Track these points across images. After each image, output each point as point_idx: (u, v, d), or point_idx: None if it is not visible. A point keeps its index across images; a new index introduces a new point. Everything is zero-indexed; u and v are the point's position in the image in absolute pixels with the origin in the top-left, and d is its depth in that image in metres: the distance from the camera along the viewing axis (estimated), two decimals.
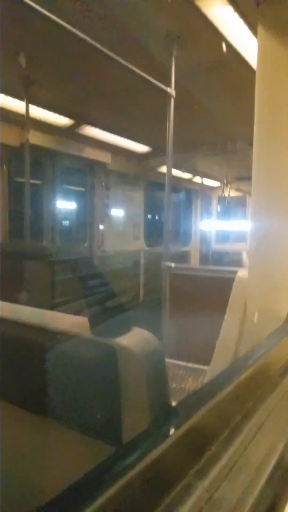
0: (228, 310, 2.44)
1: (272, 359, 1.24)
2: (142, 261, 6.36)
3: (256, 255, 1.97)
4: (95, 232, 5.72)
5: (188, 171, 6.78)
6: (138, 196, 6.50)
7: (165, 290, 3.23)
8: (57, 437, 1.05)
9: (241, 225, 8.57)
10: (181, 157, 5.34)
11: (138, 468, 0.57)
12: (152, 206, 7.01)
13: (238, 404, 0.93)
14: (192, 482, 0.64)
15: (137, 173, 6.09)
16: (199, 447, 0.74)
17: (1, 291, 1.26)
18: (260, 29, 1.87)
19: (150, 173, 6.10)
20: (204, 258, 8.24)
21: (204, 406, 0.79)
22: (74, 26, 2.07)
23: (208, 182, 7.75)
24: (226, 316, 2.41)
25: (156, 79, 2.72)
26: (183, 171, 6.61)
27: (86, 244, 5.70)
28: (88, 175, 5.68)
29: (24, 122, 3.70)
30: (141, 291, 6.28)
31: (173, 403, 0.96)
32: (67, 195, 5.71)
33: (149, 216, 7.04)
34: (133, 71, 2.53)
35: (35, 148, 4.02)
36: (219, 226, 8.73)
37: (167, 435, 0.68)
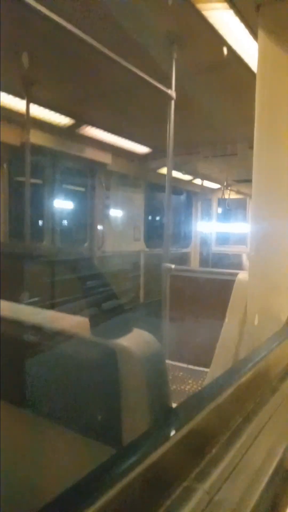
0: (228, 312, 2.44)
1: (272, 362, 1.24)
2: (142, 263, 6.36)
3: (256, 258, 1.97)
4: (95, 232, 5.72)
5: (189, 173, 6.78)
6: (139, 197, 6.50)
7: (165, 292, 3.23)
8: (57, 438, 1.05)
9: (241, 227, 8.57)
10: (182, 159, 5.35)
11: (138, 470, 0.57)
12: (152, 207, 7.01)
13: (238, 407, 0.92)
14: (193, 484, 0.64)
15: (137, 174, 6.09)
16: (199, 449, 0.73)
17: (2, 290, 1.26)
18: (260, 32, 1.87)
19: (150, 174, 6.10)
20: (204, 260, 8.24)
21: (204, 408, 0.78)
22: (74, 26, 2.07)
23: (208, 184, 7.75)
24: (226, 319, 2.41)
25: (156, 80, 2.72)
26: (183, 173, 6.61)
27: (86, 245, 5.70)
28: (89, 175, 5.68)
29: (24, 121, 3.70)
30: (141, 292, 6.28)
31: (174, 405, 0.95)
32: (67, 195, 5.71)
33: (149, 218, 7.04)
34: (134, 72, 2.53)
35: (35, 148, 4.02)
36: (219, 228, 8.73)
37: (167, 437, 0.68)
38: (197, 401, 0.85)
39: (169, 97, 2.87)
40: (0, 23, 2.01)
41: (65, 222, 5.64)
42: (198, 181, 7.40)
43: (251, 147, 1.94)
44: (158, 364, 1.01)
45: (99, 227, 5.75)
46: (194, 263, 8.03)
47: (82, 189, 5.93)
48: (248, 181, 2.05)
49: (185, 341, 3.29)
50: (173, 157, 3.07)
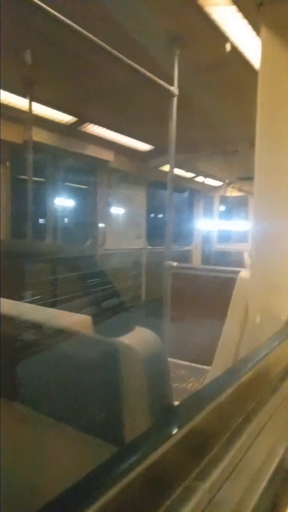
0: (229, 310, 2.44)
1: (272, 361, 1.24)
2: (144, 260, 6.37)
3: (258, 256, 1.97)
4: (97, 230, 5.72)
5: (190, 171, 6.76)
6: (141, 195, 6.49)
7: (166, 290, 3.23)
8: (58, 435, 1.05)
9: (243, 225, 8.56)
10: (183, 157, 5.33)
11: (139, 469, 0.57)
12: (154, 205, 7.00)
13: (239, 406, 0.93)
14: (194, 484, 0.64)
15: (139, 172, 6.08)
16: (200, 449, 0.74)
17: (4, 289, 1.26)
18: (263, 29, 1.87)
19: (152, 172, 6.09)
20: (206, 258, 8.23)
21: (205, 407, 0.78)
22: (76, 25, 2.07)
23: (210, 181, 7.73)
24: (227, 317, 2.41)
25: (159, 78, 2.72)
26: (185, 171, 6.60)
27: (88, 243, 5.70)
28: (91, 173, 5.68)
29: (27, 119, 3.70)
30: (143, 290, 6.28)
31: (175, 403, 0.96)
32: (69, 193, 5.71)
33: (151, 215, 7.03)
34: (136, 70, 2.53)
35: (37, 146, 4.02)
36: (221, 226, 8.71)
37: (168, 436, 0.68)
38: (197, 400, 0.85)
39: (172, 94, 2.86)
40: (0, 22, 2.00)
41: (67, 220, 5.64)
42: (200, 178, 7.38)
43: (253, 145, 1.94)
44: (159, 362, 1.01)
45: (101, 225, 5.75)
46: (196, 261, 8.02)
47: (84, 186, 5.93)
48: (250, 179, 2.05)
49: (186, 339, 3.29)
50: (175, 155, 3.07)
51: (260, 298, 1.86)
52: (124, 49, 2.35)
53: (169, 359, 3.17)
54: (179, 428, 0.71)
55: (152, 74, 2.64)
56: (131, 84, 3.24)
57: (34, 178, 3.93)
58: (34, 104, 3.68)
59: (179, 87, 2.87)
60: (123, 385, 0.95)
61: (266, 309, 1.80)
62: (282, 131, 1.86)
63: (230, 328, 2.39)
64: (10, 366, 1.09)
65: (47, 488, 0.87)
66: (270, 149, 1.89)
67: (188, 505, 0.60)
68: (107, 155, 5.35)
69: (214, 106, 3.92)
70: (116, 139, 5.10)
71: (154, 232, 6.77)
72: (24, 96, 3.61)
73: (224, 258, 8.03)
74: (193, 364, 3.37)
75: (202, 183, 7.50)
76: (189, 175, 6.97)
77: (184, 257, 7.68)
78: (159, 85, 2.75)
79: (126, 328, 1.00)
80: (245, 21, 2.21)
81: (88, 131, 4.71)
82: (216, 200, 8.46)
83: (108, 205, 5.89)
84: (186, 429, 0.71)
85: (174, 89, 2.86)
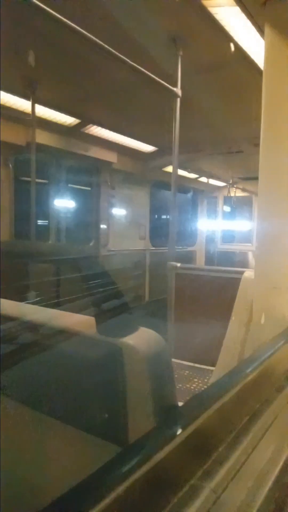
0: (234, 310, 2.43)
1: (277, 361, 1.23)
2: (147, 261, 6.37)
3: (262, 256, 1.96)
4: (100, 231, 5.73)
5: (194, 171, 6.76)
6: (144, 196, 6.50)
7: (170, 290, 3.23)
8: (62, 435, 1.05)
9: (247, 225, 8.53)
10: (187, 157, 5.34)
11: (145, 468, 0.57)
12: (157, 205, 7.00)
13: (244, 407, 0.92)
14: (199, 483, 0.64)
15: (142, 173, 6.09)
16: (205, 449, 0.73)
17: (8, 290, 1.27)
18: (267, 28, 1.86)
19: (155, 172, 6.09)
20: (210, 258, 8.22)
21: (210, 407, 0.78)
22: (78, 26, 2.07)
23: (214, 182, 7.72)
24: (232, 317, 2.41)
25: (161, 79, 2.72)
26: (189, 171, 6.60)
27: (91, 244, 5.71)
28: (94, 174, 5.69)
29: (30, 121, 3.71)
30: (147, 291, 6.28)
31: (179, 403, 0.95)
32: (73, 194, 5.71)
33: (155, 216, 7.03)
34: (139, 71, 2.53)
35: (40, 147, 4.03)
36: (224, 226, 8.70)
37: (173, 436, 0.68)
38: (202, 400, 0.85)
39: (175, 95, 2.86)
40: (0, 22, 2.01)
41: (70, 221, 5.64)
42: (203, 179, 7.38)
43: (257, 145, 1.93)
44: (163, 362, 1.01)
45: (105, 225, 5.76)
46: (200, 261, 8.01)
47: (88, 188, 5.94)
48: (254, 178, 2.04)
49: (190, 339, 3.28)
50: (178, 155, 3.06)
51: (264, 298, 1.85)
52: (126, 50, 2.35)
53: (172, 359, 3.17)
54: (184, 428, 0.71)
55: (155, 75, 2.64)
56: (133, 85, 3.24)
57: (37, 180, 3.94)
58: (37, 106, 3.69)
59: (182, 87, 2.87)
60: (127, 385, 0.95)
61: (272, 309, 1.80)
62: (287, 131, 1.85)
63: (235, 328, 2.39)
64: (13, 366, 1.09)
65: (52, 488, 0.87)
66: (274, 149, 1.89)
67: (193, 505, 0.59)
68: (110, 157, 5.36)
69: (217, 106, 3.92)
70: (119, 140, 5.11)
71: (158, 232, 6.77)
72: (26, 97, 3.62)
73: (229, 258, 8.00)
74: (197, 365, 3.36)
75: (206, 183, 7.50)
76: (193, 175, 6.97)
77: (188, 257, 7.67)
78: (162, 86, 2.74)
79: (129, 329, 1.00)
80: (248, 21, 2.20)
81: (91, 132, 4.72)
82: (220, 200, 8.44)
83: (112, 206, 5.90)
84: (190, 429, 0.71)
85: (178, 90, 2.86)
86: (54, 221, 5.15)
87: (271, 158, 1.90)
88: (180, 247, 7.23)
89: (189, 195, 7.95)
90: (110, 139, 5.01)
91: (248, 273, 2.47)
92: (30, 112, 3.64)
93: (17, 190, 4.38)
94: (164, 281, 3.33)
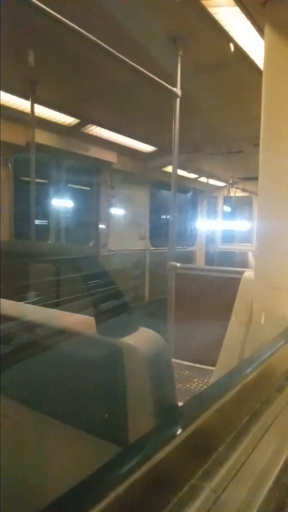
0: (234, 310, 2.43)
1: (277, 361, 1.23)
2: (147, 261, 6.37)
3: (262, 256, 1.96)
4: (100, 231, 5.73)
5: (194, 171, 6.76)
6: (144, 196, 6.50)
7: (170, 290, 3.23)
8: (61, 435, 1.05)
9: (247, 225, 8.53)
10: (187, 157, 5.34)
11: (145, 468, 0.57)
12: (157, 205, 7.00)
13: (244, 407, 0.92)
14: (199, 483, 0.64)
15: (142, 173, 6.09)
16: (205, 449, 0.73)
17: (8, 290, 1.27)
18: (267, 28, 1.86)
19: (155, 172, 6.09)
20: (210, 259, 8.22)
21: (210, 407, 0.78)
22: (78, 26, 2.07)
23: (213, 182, 7.73)
24: (232, 317, 2.41)
25: (161, 79, 2.72)
26: (188, 171, 6.60)
27: (91, 244, 5.71)
28: (94, 174, 5.69)
29: (29, 121, 3.72)
30: (147, 291, 6.28)
31: (179, 403, 0.95)
32: (72, 194, 5.71)
33: (155, 216, 7.03)
34: (139, 71, 2.53)
35: (40, 147, 4.03)
36: (224, 226, 8.70)
37: (173, 436, 0.68)
38: (202, 400, 0.85)
39: (175, 95, 2.86)
40: (0, 22, 2.01)
41: (70, 221, 5.65)
42: (203, 179, 7.38)
43: (257, 145, 1.93)
44: (163, 362, 1.01)
45: (104, 226, 5.76)
46: (200, 261, 8.01)
47: (87, 188, 5.94)
48: (254, 178, 2.04)
49: (190, 339, 3.28)
50: (178, 155, 3.06)
51: (265, 298, 1.85)
52: (126, 49, 2.35)
53: (172, 359, 3.17)
54: (184, 428, 0.71)
55: (154, 75, 2.64)
56: (133, 85, 3.24)
57: (36, 180, 3.94)
58: (36, 106, 3.69)
59: (182, 87, 2.87)
60: (127, 385, 0.95)
61: (272, 309, 1.80)
62: (286, 131, 1.85)
63: (235, 328, 2.39)
64: (12, 366, 1.09)
65: (51, 488, 0.87)
66: (274, 149, 1.89)
67: (193, 505, 0.59)
68: (110, 157, 5.36)
69: (217, 106, 3.92)
70: (119, 140, 5.11)
71: (157, 232, 6.77)
72: (25, 97, 3.62)
73: (229, 258, 8.00)
74: (197, 365, 3.36)
75: (206, 183, 7.50)
76: (193, 175, 6.97)
77: (188, 257, 7.67)
78: (162, 86, 2.74)
79: (129, 329, 1.00)
80: (247, 21, 2.20)
81: (90, 132, 4.72)
82: (220, 200, 8.44)
83: (111, 206, 5.90)
84: (190, 429, 0.71)
85: (177, 90, 2.86)
86: (54, 221, 5.15)
87: (271, 158, 1.90)
88: (180, 247, 7.23)
89: (189, 195, 7.95)
90: (110, 139, 5.01)
91: (248, 273, 2.47)
92: (30, 112, 3.64)
93: (17, 190, 4.38)
94: (164, 281, 3.34)
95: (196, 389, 3.01)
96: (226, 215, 8.67)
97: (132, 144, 5.35)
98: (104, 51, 2.24)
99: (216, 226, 8.55)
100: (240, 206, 8.44)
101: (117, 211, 6.12)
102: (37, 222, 4.12)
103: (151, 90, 3.03)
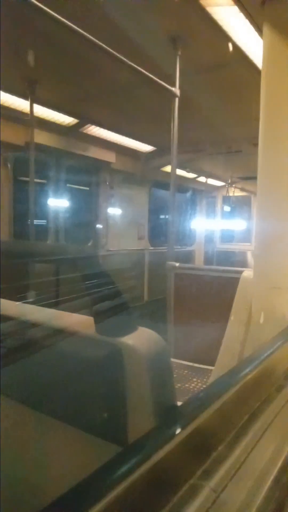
0: (233, 310, 2.43)
1: (277, 360, 1.24)
2: (146, 261, 6.37)
3: (261, 255, 1.96)
4: (99, 231, 5.73)
5: (193, 171, 6.76)
6: (143, 196, 6.50)
7: (169, 290, 3.23)
8: (61, 435, 1.05)
9: (244, 225, 8.54)
10: (186, 157, 5.34)
11: (144, 467, 0.57)
12: (156, 205, 7.00)
13: (243, 406, 0.92)
14: (199, 483, 0.64)
15: (141, 173, 6.09)
16: (205, 448, 0.73)
17: (8, 290, 1.27)
18: (265, 28, 1.86)
19: (154, 172, 6.09)
20: (209, 258, 8.22)
21: (209, 406, 0.78)
22: (77, 26, 2.07)
23: (212, 181, 7.73)
24: (231, 317, 2.41)
25: (160, 79, 2.72)
26: (188, 171, 6.60)
27: (90, 244, 5.71)
28: (93, 174, 5.69)
29: (28, 121, 3.71)
30: (146, 291, 6.28)
31: (178, 403, 0.95)
32: (72, 194, 5.71)
33: (154, 216, 7.04)
34: (138, 71, 2.53)
35: (39, 147, 4.03)
36: (223, 225, 8.70)
37: (173, 435, 0.68)
38: (202, 399, 0.85)
39: (173, 95, 2.87)
40: (0, 22, 2.01)
41: (69, 221, 5.64)
42: (202, 178, 7.38)
43: (255, 144, 1.93)
44: (163, 362, 1.01)
45: (103, 225, 5.76)
46: (199, 261, 8.01)
47: (86, 188, 5.94)
48: (253, 178, 2.04)
49: (190, 339, 3.28)
50: (177, 155, 3.06)
51: (264, 297, 1.86)
52: (125, 49, 2.35)
53: (172, 359, 3.17)
54: (183, 427, 0.71)
55: (153, 74, 2.64)
56: (132, 85, 3.24)
57: (36, 180, 3.94)
58: (36, 106, 3.69)
59: (181, 87, 2.87)
60: (127, 385, 0.95)
61: (271, 308, 1.80)
62: (285, 130, 1.85)
63: (234, 327, 2.39)
64: (12, 366, 1.09)
65: (50, 488, 0.87)
66: (273, 149, 1.89)
67: (193, 504, 0.60)
68: (109, 156, 5.36)
69: (216, 106, 3.92)
70: (118, 140, 5.11)
71: (156, 232, 6.77)
72: (25, 97, 3.62)
73: (228, 258, 8.01)
74: (196, 365, 3.36)
75: (205, 183, 7.50)
76: (192, 175, 6.97)
77: (187, 257, 7.67)
78: (161, 85, 2.75)
79: (129, 329, 1.00)
80: (247, 21, 2.21)
81: (89, 132, 4.72)
82: (219, 200, 8.45)
83: (111, 206, 5.90)
84: (190, 428, 0.71)
85: (176, 90, 2.86)
86: (53, 221, 5.15)
87: (270, 157, 1.90)
88: (179, 247, 7.23)
89: (188, 194, 7.95)
90: (108, 139, 5.01)
91: (247, 273, 2.47)
92: (29, 112, 3.64)
93: (16, 190, 4.38)
94: (163, 281, 3.34)
95: (195, 389, 3.01)
96: (225, 215, 8.67)
97: (131, 144, 5.35)
98: (104, 51, 2.24)
99: (215, 225, 8.55)
100: (239, 205, 8.45)
101: (116, 211, 6.12)
102: (36, 222, 4.11)
103: (150, 90, 3.04)
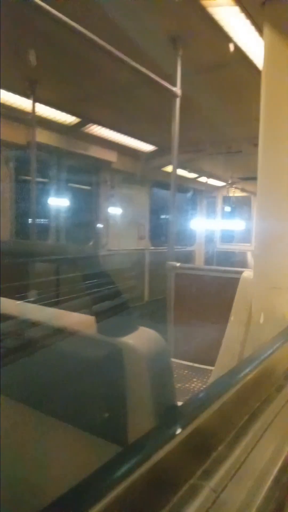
0: (233, 310, 2.43)
1: (277, 360, 1.24)
2: (147, 261, 6.37)
3: (261, 256, 1.96)
4: (100, 231, 5.73)
5: (193, 171, 6.76)
6: (143, 195, 6.50)
7: (170, 290, 3.23)
8: (61, 435, 1.05)
9: (244, 225, 8.54)
10: (186, 157, 5.34)
11: (144, 467, 0.57)
12: (157, 205, 7.00)
13: (243, 406, 0.92)
14: (199, 483, 0.64)
15: (142, 173, 6.09)
16: (205, 448, 0.73)
17: (8, 289, 1.27)
18: (266, 28, 1.86)
19: (155, 172, 6.09)
20: (209, 258, 8.22)
21: (210, 406, 0.78)
22: (78, 25, 2.07)
23: (213, 182, 7.73)
24: (231, 317, 2.41)
25: (161, 79, 2.72)
26: (188, 171, 6.60)
27: (91, 243, 5.71)
28: (94, 173, 5.69)
29: (30, 120, 3.72)
30: (146, 290, 6.28)
31: (178, 403, 0.95)
32: (72, 193, 5.71)
33: (154, 216, 7.04)
34: (139, 71, 2.53)
35: (41, 147, 4.03)
36: (224, 226, 8.70)
37: (173, 435, 0.68)
38: (202, 399, 0.85)
39: (174, 95, 2.87)
40: (1, 22, 2.01)
41: (70, 220, 5.65)
42: (203, 179, 7.38)
43: (256, 145, 1.94)
44: (163, 362, 1.01)
45: (104, 225, 5.76)
46: (199, 261, 8.01)
47: (87, 187, 5.94)
48: (253, 178, 2.05)
49: (190, 339, 3.29)
50: (178, 155, 3.06)
51: (264, 297, 1.86)
52: (126, 49, 2.36)
53: (172, 359, 3.17)
54: (183, 427, 0.71)
55: (155, 74, 2.64)
56: (133, 85, 3.24)
57: (37, 179, 3.94)
58: (37, 105, 3.69)
59: (182, 87, 2.87)
60: (127, 385, 0.95)
61: (271, 308, 1.80)
62: (285, 131, 1.85)
63: (234, 328, 2.39)
64: (12, 365, 1.09)
65: (51, 488, 0.88)
66: (273, 149, 1.89)
67: (193, 504, 0.60)
68: (110, 156, 5.36)
69: (216, 106, 3.92)
70: (119, 140, 5.11)
71: (157, 232, 6.77)
72: (27, 96, 3.62)
73: (228, 258, 8.01)
74: (196, 365, 3.36)
75: (205, 183, 7.50)
76: (192, 175, 6.97)
77: (187, 257, 7.67)
78: (162, 85, 2.75)
79: (129, 328, 1.00)
80: (247, 21, 2.21)
81: (91, 132, 4.72)
82: (219, 200, 8.45)
83: (111, 205, 5.90)
84: (190, 428, 0.71)
85: (177, 89, 2.86)
86: (54, 220, 5.15)
87: (270, 158, 1.90)
88: (180, 247, 7.23)
89: (189, 195, 7.95)
90: (110, 139, 5.01)
91: (247, 273, 2.47)
92: (31, 111, 3.64)
93: (17, 189, 4.38)
94: (164, 281, 3.34)
95: (195, 389, 3.01)
96: (225, 215, 8.67)
97: (132, 143, 5.35)
98: (105, 51, 2.25)
99: (215, 226, 8.55)
100: (239, 206, 8.45)
101: (117, 211, 6.12)
102: (37, 221, 4.12)
103: (151, 90, 3.04)
